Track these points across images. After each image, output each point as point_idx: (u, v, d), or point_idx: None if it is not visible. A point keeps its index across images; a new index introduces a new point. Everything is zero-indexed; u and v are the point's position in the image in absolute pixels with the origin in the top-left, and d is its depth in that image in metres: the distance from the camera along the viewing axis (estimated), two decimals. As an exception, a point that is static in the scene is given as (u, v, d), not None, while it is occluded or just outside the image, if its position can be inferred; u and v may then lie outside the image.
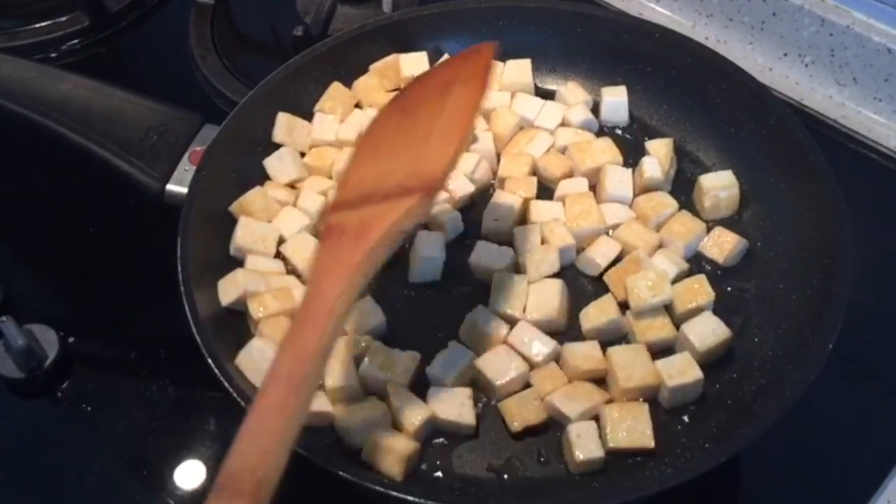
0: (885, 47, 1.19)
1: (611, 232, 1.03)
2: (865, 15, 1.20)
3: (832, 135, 1.23)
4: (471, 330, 0.95)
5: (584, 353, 0.92)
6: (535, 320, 0.95)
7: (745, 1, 1.28)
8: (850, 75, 1.24)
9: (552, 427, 0.90)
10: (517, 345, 0.93)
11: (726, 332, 0.93)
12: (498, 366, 0.91)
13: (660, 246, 1.01)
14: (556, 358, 0.93)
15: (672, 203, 1.03)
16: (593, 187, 1.06)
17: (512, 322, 0.95)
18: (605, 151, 1.07)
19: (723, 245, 1.01)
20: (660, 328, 0.94)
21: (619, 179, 1.04)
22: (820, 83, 1.27)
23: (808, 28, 1.24)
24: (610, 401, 0.90)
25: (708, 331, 0.92)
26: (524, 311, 0.95)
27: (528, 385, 0.92)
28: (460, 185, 1.04)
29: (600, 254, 1.00)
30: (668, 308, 0.95)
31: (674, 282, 0.97)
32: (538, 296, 0.96)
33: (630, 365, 0.90)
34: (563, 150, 1.08)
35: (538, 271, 0.98)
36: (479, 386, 0.92)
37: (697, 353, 0.91)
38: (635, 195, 1.05)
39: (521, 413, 0.89)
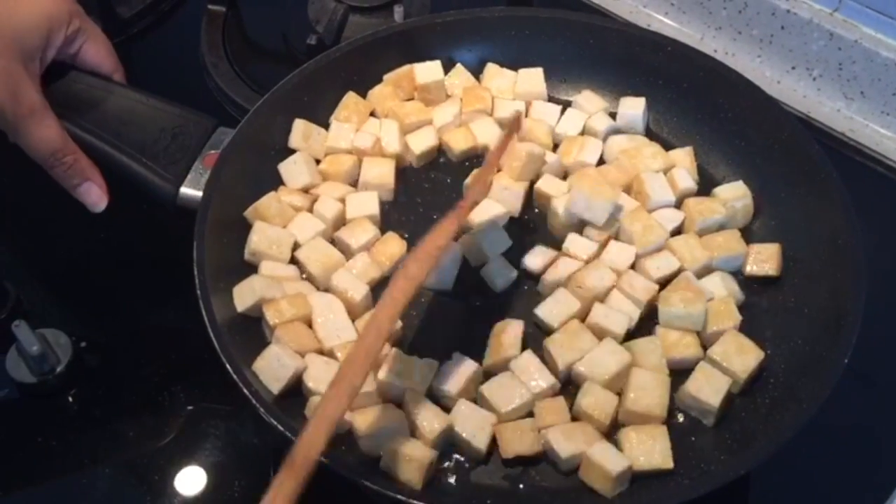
0: (892, 62, 1.19)
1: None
2: (874, 30, 1.21)
3: (840, 148, 1.24)
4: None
5: (597, 401, 0.90)
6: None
7: (753, 14, 1.28)
8: (857, 89, 1.25)
9: (544, 459, 0.90)
10: (518, 371, 0.92)
11: (760, 353, 0.93)
12: (502, 392, 0.91)
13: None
14: (557, 393, 0.93)
15: (720, 210, 1.03)
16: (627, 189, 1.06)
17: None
18: (656, 157, 1.07)
19: (768, 258, 1.01)
20: (686, 346, 0.94)
21: (658, 185, 1.05)
22: (828, 97, 1.28)
23: (816, 42, 1.25)
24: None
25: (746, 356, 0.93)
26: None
27: (531, 413, 0.91)
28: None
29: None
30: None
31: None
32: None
33: (643, 389, 0.90)
34: (615, 158, 1.09)
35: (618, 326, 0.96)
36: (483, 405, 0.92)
37: (741, 380, 0.92)
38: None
39: (513, 442, 0.89)
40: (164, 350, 1.06)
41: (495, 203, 1.05)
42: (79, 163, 1.01)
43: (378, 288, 1.00)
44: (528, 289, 1.01)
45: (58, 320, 1.05)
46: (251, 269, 0.99)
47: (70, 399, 1.03)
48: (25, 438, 1.00)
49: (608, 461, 0.85)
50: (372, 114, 1.12)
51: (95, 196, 1.03)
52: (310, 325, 0.95)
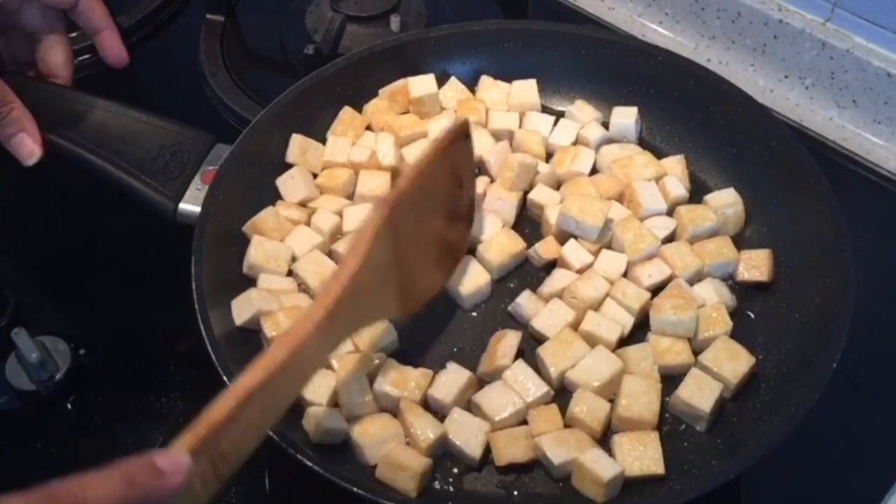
0: (884, 71, 1.20)
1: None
2: (865, 39, 1.22)
3: (832, 156, 1.25)
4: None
5: (589, 408, 0.91)
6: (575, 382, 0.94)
7: (746, 24, 1.29)
8: (849, 98, 1.26)
9: (537, 466, 0.91)
10: (511, 381, 0.93)
11: (751, 358, 0.94)
12: (495, 401, 0.92)
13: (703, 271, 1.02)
14: (552, 400, 0.94)
15: (711, 217, 1.04)
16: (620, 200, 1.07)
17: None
18: (648, 165, 1.08)
19: (759, 264, 1.02)
20: (677, 353, 0.95)
21: (649, 193, 1.05)
22: (820, 105, 1.29)
23: (808, 51, 1.26)
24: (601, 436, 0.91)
25: (737, 361, 0.94)
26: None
27: (524, 421, 0.92)
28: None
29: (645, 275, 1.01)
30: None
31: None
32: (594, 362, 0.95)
33: (635, 396, 0.91)
34: (607, 167, 1.10)
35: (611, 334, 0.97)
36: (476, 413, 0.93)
37: (732, 385, 0.93)
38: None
39: (507, 449, 0.89)
40: (163, 356, 1.07)
41: (490, 214, 1.06)
42: (15, 112, 1.00)
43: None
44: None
45: (57, 327, 1.06)
46: (249, 282, 1.00)
47: (69, 406, 1.03)
48: (25, 445, 1.01)
49: (600, 467, 0.86)
50: (368, 127, 1.13)
51: (28, 149, 1.02)
52: (307, 336, 0.96)
